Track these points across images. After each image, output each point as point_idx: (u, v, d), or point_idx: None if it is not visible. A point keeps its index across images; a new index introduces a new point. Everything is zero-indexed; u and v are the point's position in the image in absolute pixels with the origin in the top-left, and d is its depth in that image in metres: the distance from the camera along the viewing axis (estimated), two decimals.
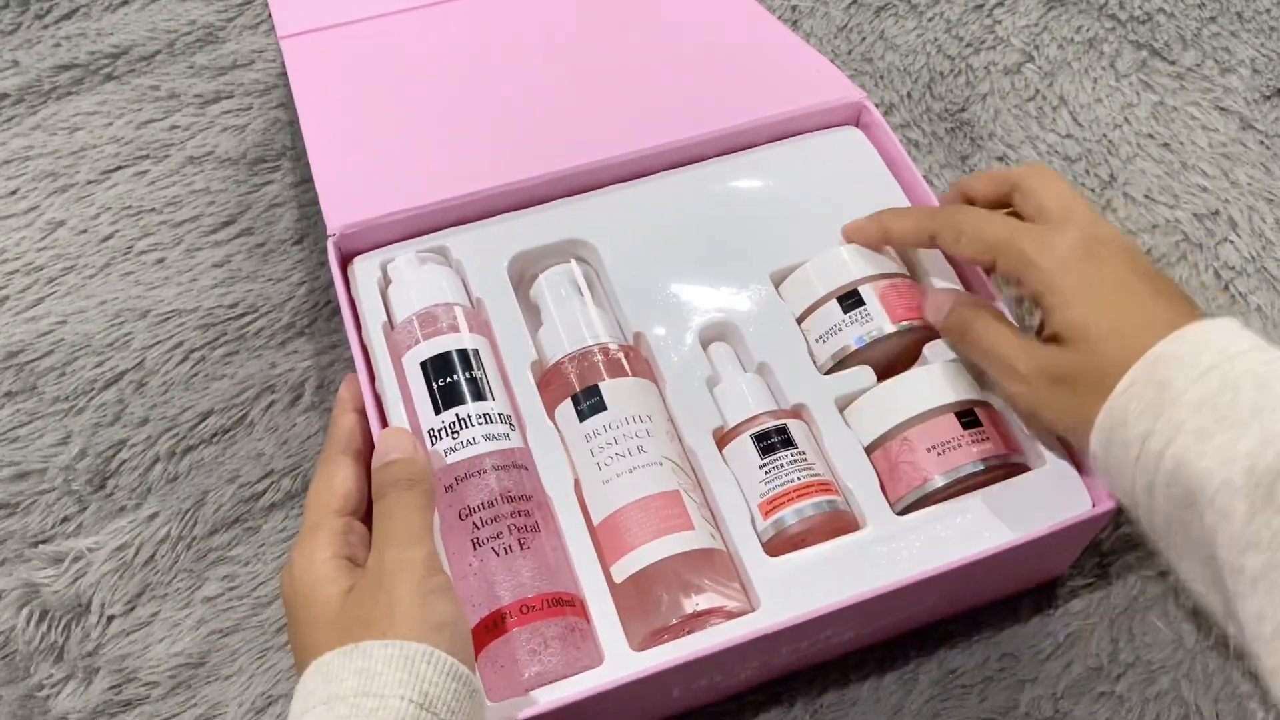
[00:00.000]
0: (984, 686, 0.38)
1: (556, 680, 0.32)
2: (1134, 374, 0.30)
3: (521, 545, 0.34)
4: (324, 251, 0.49)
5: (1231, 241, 0.50)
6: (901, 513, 0.36)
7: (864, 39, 0.57)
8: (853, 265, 0.40)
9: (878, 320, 0.38)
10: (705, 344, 0.40)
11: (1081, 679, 0.38)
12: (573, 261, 0.42)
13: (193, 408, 0.45)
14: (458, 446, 0.36)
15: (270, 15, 0.58)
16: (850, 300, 0.39)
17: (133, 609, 0.40)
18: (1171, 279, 0.35)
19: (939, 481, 0.36)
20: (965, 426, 0.36)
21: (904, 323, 0.38)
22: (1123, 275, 0.33)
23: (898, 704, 0.38)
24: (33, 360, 0.46)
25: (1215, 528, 0.28)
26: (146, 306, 0.47)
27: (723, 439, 0.38)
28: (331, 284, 0.48)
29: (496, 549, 0.34)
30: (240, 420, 0.44)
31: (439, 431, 0.36)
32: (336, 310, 0.47)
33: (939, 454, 0.36)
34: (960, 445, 0.36)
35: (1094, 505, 0.36)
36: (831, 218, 0.42)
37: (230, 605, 0.40)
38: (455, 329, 0.38)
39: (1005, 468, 0.36)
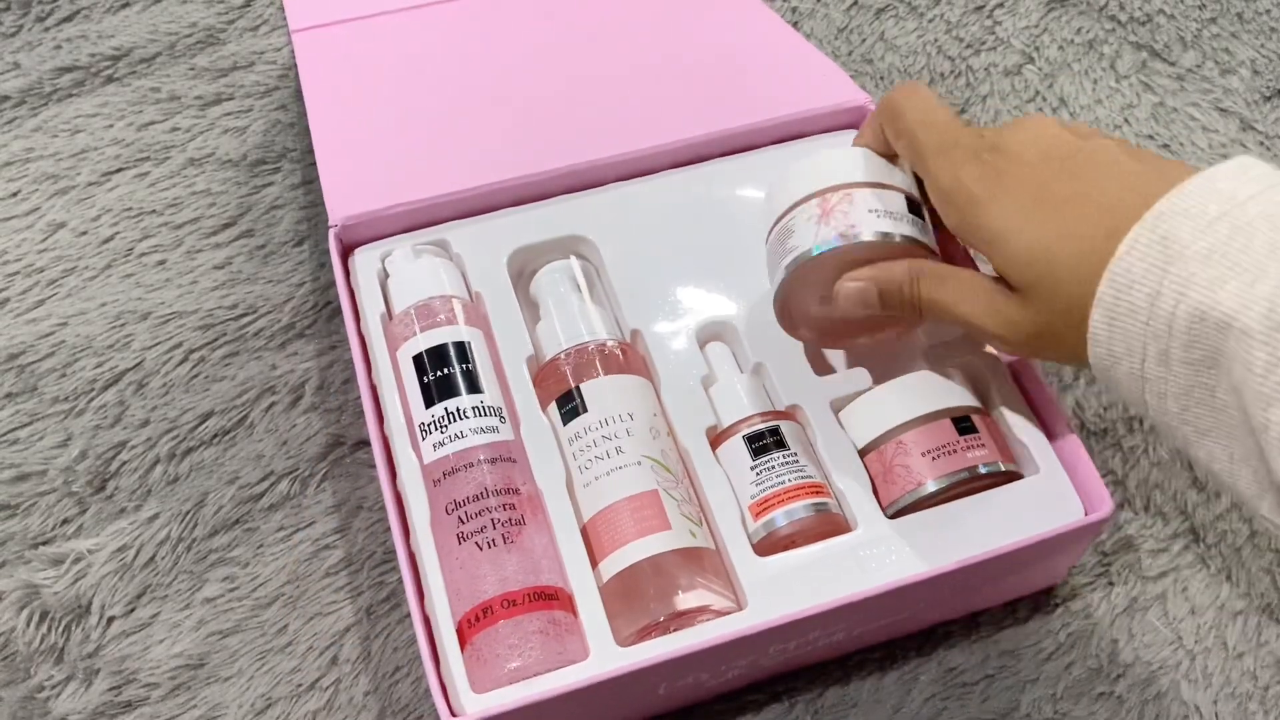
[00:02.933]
0: (984, 686, 0.38)
1: (539, 674, 0.33)
2: (1135, 234, 0.27)
3: (507, 539, 0.34)
4: (324, 253, 0.49)
5: None
6: (893, 516, 0.36)
7: (864, 40, 0.57)
8: (870, 167, 0.35)
9: (928, 232, 0.35)
10: (702, 343, 0.40)
11: (1082, 679, 0.38)
12: (572, 258, 0.42)
13: (193, 409, 0.45)
14: (447, 440, 0.36)
15: (270, 17, 0.58)
16: (916, 206, 0.35)
17: (133, 610, 0.40)
18: (1115, 144, 0.31)
19: (932, 486, 0.35)
20: (962, 433, 0.36)
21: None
22: (1038, 177, 0.30)
23: (898, 704, 0.38)
24: (34, 362, 0.46)
25: (1244, 381, 0.25)
26: (147, 308, 0.47)
27: (716, 439, 0.38)
28: (332, 285, 0.48)
29: (482, 543, 0.34)
30: (240, 422, 0.44)
31: (429, 425, 0.36)
32: (337, 311, 0.47)
33: (934, 459, 0.35)
34: (956, 451, 0.36)
35: (1086, 514, 0.35)
36: None
37: (230, 606, 0.40)
38: (452, 321, 0.38)
39: (999, 475, 0.36)
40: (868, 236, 0.33)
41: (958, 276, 0.33)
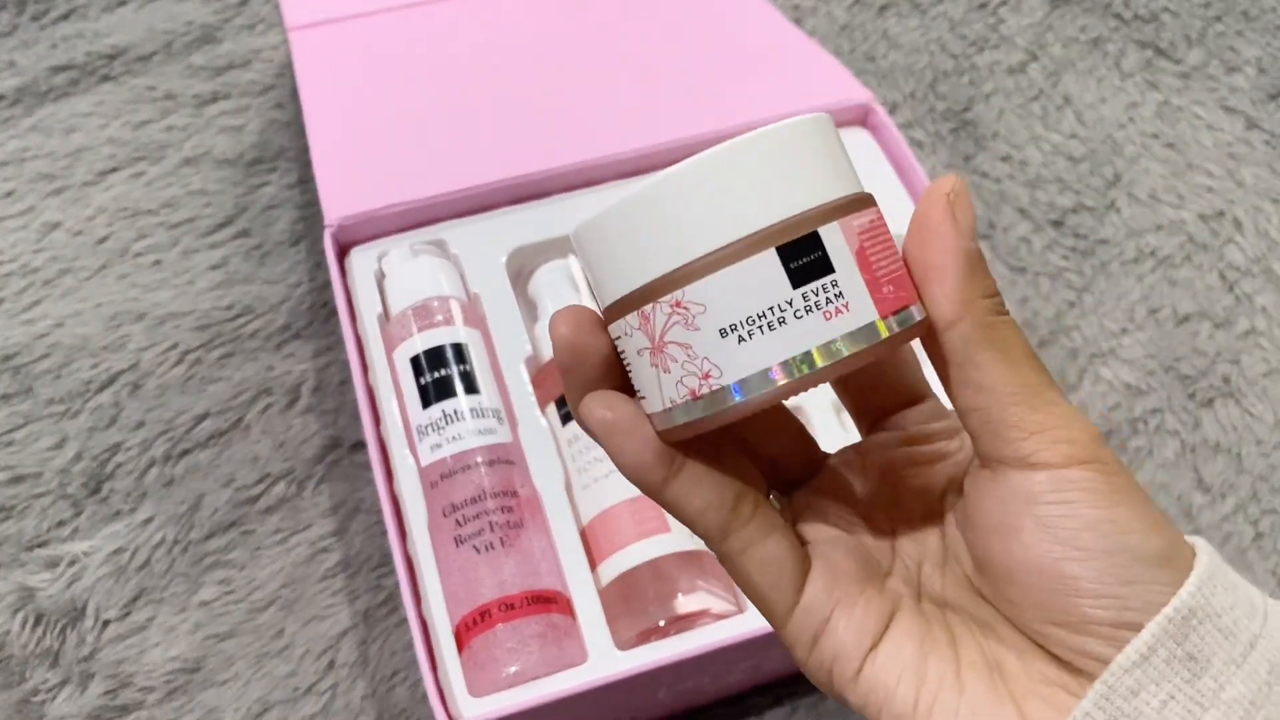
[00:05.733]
0: None
1: (537, 678, 0.32)
2: (1153, 636, 0.18)
3: (505, 542, 0.34)
4: (321, 253, 0.49)
5: (1236, 242, 0.49)
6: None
7: (867, 38, 0.57)
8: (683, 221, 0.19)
9: (857, 308, 0.18)
10: None
11: None
12: (571, 257, 0.41)
13: (188, 411, 0.44)
14: (445, 442, 0.35)
15: (267, 16, 0.57)
16: (806, 256, 0.18)
17: (128, 613, 0.40)
18: None
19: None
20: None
21: (897, 314, 0.19)
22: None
23: None
24: (29, 363, 0.46)
25: None
26: (143, 309, 0.47)
27: None
28: (328, 285, 0.48)
29: (480, 546, 0.34)
30: (236, 423, 0.44)
31: (427, 427, 0.36)
32: (333, 312, 0.47)
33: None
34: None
35: None
36: None
37: (226, 610, 0.40)
38: (449, 322, 0.38)
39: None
40: (733, 400, 0.18)
41: None
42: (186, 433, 0.44)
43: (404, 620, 0.39)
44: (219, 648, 0.39)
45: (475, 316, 0.39)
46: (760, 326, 0.18)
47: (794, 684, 0.38)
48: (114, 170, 0.51)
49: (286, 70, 0.55)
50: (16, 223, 0.50)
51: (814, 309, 0.18)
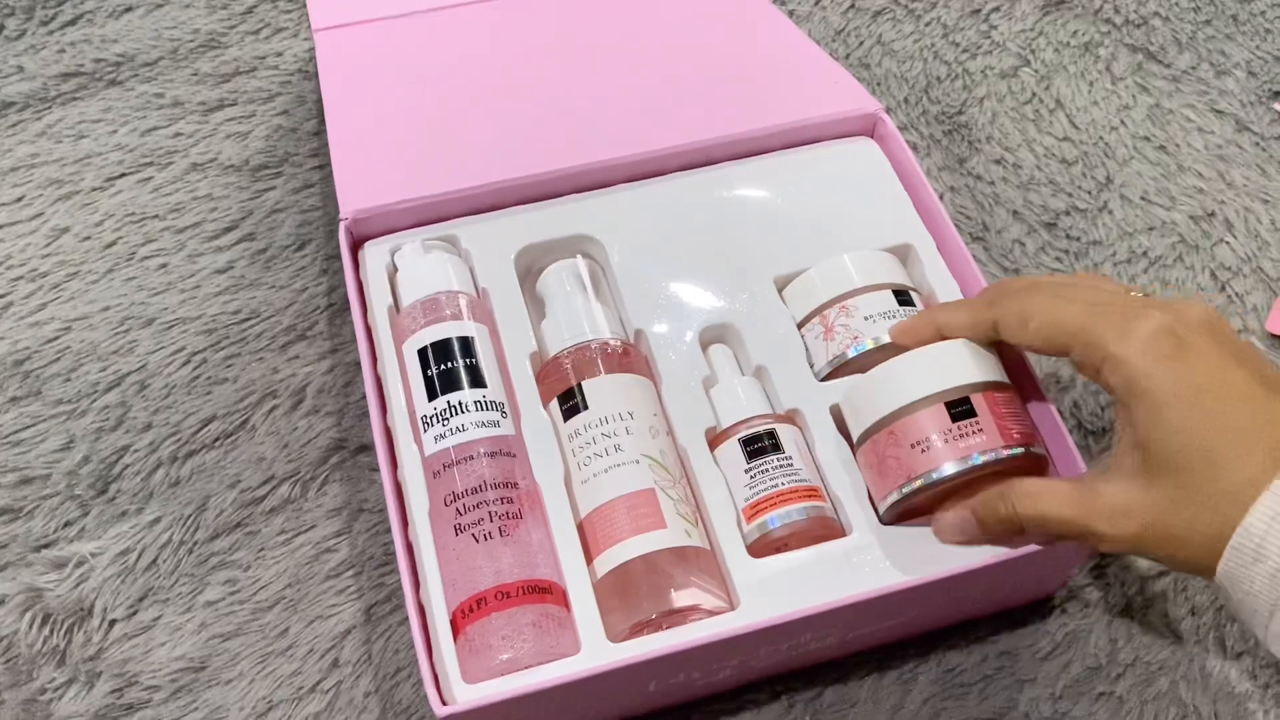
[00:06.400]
0: (983, 686, 0.38)
1: (530, 667, 0.33)
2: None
3: (504, 532, 0.34)
4: (325, 257, 0.49)
5: (1227, 242, 0.50)
6: (887, 511, 0.35)
7: (861, 43, 0.58)
8: (855, 273, 0.39)
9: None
10: (705, 345, 0.40)
11: (1080, 679, 0.39)
12: (579, 257, 0.42)
13: (195, 413, 0.45)
14: (449, 433, 0.36)
15: (273, 21, 0.58)
16: (904, 298, 0.39)
17: (135, 613, 0.40)
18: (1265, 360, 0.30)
19: (917, 483, 0.34)
20: (956, 419, 0.33)
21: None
22: (1222, 369, 0.29)
23: (897, 703, 0.38)
24: (38, 367, 0.46)
25: None
26: (150, 313, 0.48)
27: (714, 440, 0.38)
28: (333, 289, 0.48)
29: (479, 535, 0.34)
30: (242, 425, 0.45)
31: (431, 418, 0.36)
32: (337, 314, 0.48)
33: (923, 450, 0.34)
34: (947, 441, 0.33)
35: None
36: (839, 227, 0.42)
37: (231, 610, 0.40)
38: (457, 316, 0.39)
39: (1018, 460, 0.33)
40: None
41: (1049, 486, 0.32)
42: (193, 434, 0.44)
43: (407, 619, 0.40)
44: (224, 647, 0.40)
45: (483, 312, 0.40)
46: (885, 316, 0.38)
47: (790, 679, 0.39)
48: (122, 175, 0.52)
49: (292, 77, 0.56)
50: (26, 227, 0.51)
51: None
